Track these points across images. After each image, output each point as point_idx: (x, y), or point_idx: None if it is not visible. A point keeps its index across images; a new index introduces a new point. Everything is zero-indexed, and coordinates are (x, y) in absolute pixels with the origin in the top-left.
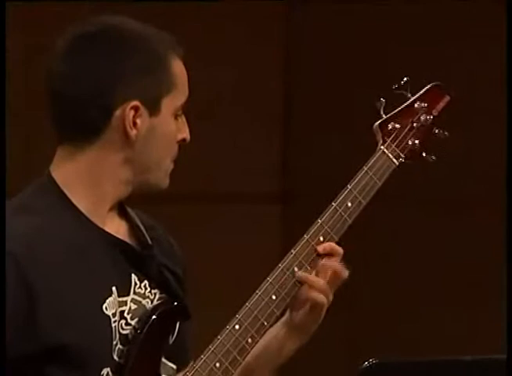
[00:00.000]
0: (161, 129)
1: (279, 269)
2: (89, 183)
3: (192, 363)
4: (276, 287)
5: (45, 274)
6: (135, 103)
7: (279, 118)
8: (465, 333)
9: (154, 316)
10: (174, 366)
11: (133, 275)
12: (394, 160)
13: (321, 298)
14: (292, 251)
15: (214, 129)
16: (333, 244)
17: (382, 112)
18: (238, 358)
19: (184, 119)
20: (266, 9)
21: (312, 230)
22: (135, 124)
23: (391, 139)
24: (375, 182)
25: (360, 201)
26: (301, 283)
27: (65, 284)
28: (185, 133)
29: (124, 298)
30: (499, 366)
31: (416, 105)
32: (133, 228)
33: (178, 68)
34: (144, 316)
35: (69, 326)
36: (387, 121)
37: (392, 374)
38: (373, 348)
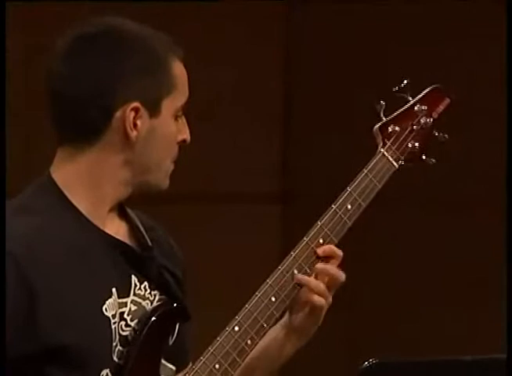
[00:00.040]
0: (161, 130)
1: (279, 272)
2: (89, 184)
3: (191, 365)
4: (276, 289)
5: (45, 275)
6: (136, 104)
7: (279, 118)
8: (465, 333)
9: (154, 318)
10: (174, 368)
11: (133, 276)
12: (394, 162)
13: (320, 300)
14: (292, 253)
15: (214, 129)
16: (333, 247)
17: (382, 114)
18: (237, 359)
19: (184, 120)
20: (266, 9)
21: (312, 233)
22: (135, 125)
23: (391, 141)
24: (375, 184)
25: (360, 204)
26: (300, 285)
27: (65, 285)
28: (185, 134)
29: (124, 300)
30: (499, 366)
31: (416, 108)
32: (133, 229)
33: (178, 69)
34: (144, 317)
35: (69, 326)
36: (387, 124)
37: (392, 374)
38: (373, 348)
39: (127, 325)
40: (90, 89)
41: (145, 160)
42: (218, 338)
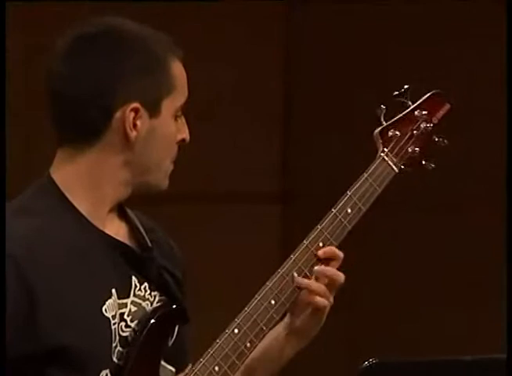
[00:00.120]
0: (161, 131)
1: (279, 275)
2: (89, 185)
3: (191, 366)
4: (276, 292)
5: (45, 276)
6: (135, 104)
7: (279, 118)
8: (465, 333)
9: (154, 319)
10: (173, 369)
11: (133, 277)
12: (394, 167)
13: (322, 302)
14: (291, 256)
15: (214, 129)
16: (333, 248)
17: (382, 119)
18: (237, 362)
19: (183, 120)
20: (266, 9)
21: (312, 236)
22: (135, 125)
23: (391, 146)
24: (375, 188)
25: (360, 208)
26: (300, 288)
27: (65, 286)
28: (184, 134)
29: (124, 300)
30: (499, 366)
31: (416, 113)
32: (133, 230)
33: (177, 70)
34: (144, 318)
35: (69, 327)
36: (387, 128)
37: (392, 374)
38: (373, 348)
39: (127, 326)
40: (90, 90)
41: (144, 160)
42: (218, 340)
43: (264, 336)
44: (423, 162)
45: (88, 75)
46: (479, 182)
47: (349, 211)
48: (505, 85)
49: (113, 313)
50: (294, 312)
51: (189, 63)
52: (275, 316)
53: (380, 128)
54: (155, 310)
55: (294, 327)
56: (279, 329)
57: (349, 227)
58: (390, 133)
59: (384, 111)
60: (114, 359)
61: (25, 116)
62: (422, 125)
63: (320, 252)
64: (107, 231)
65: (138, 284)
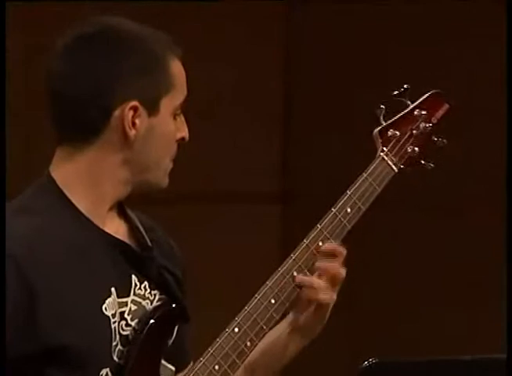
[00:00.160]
0: (160, 129)
1: (279, 274)
2: (89, 183)
3: (191, 366)
4: (276, 291)
5: (46, 275)
6: (134, 103)
7: (279, 118)
8: (465, 333)
9: (154, 318)
10: (173, 368)
11: (133, 276)
12: (394, 166)
13: (326, 298)
14: (292, 255)
15: (214, 129)
16: (335, 245)
17: (382, 118)
18: (237, 361)
19: (183, 118)
20: (266, 9)
21: (312, 235)
22: (134, 124)
23: (390, 145)
24: (374, 188)
25: (359, 207)
26: (301, 287)
27: (65, 285)
28: (184, 132)
29: (125, 299)
30: (499, 366)
31: (415, 112)
32: (133, 229)
33: (176, 68)
34: (144, 317)
35: (69, 326)
36: (386, 128)
37: (392, 374)
38: (373, 348)
39: (127, 325)
40: (89, 88)
41: (144, 158)
42: (218, 339)
43: (264, 335)
44: (423, 162)
45: (87, 74)
46: (479, 183)
47: (349, 210)
48: (505, 85)
49: (113, 312)
50: (297, 310)
51: (189, 63)
52: (275, 315)
53: (379, 128)
54: (155, 309)
55: (297, 324)
56: (283, 326)
57: (349, 226)
58: (389, 133)
59: (384, 111)
60: (115, 358)
61: (25, 116)
62: (421, 125)
63: (322, 248)
64: (107, 230)
65: (138, 283)
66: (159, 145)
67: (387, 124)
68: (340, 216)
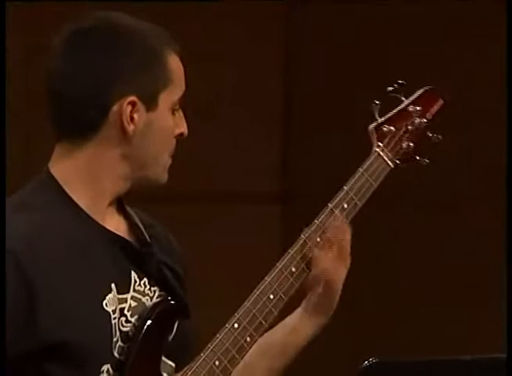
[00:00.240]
0: (159, 124)
1: (277, 269)
2: (88, 179)
3: (191, 362)
4: (274, 286)
5: (45, 271)
6: (132, 98)
7: (279, 118)
8: (465, 333)
9: (154, 315)
10: (173, 365)
11: (133, 272)
12: (390, 162)
13: (330, 273)
14: (289, 250)
15: (214, 129)
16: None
17: (377, 115)
18: (236, 356)
19: (181, 113)
20: (266, 9)
21: (309, 231)
22: (132, 119)
23: (386, 141)
24: (371, 183)
25: (356, 203)
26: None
27: (65, 281)
28: (182, 128)
29: (124, 296)
30: (499, 366)
31: (410, 108)
32: (132, 226)
33: (174, 63)
34: (144, 313)
35: (69, 322)
36: (382, 124)
37: (392, 374)
38: (373, 348)
39: (127, 321)
40: (86, 84)
41: (143, 154)
42: (218, 335)
43: (264, 330)
44: (418, 157)
45: (85, 70)
46: (479, 182)
47: (345, 206)
48: (505, 85)
49: (113, 308)
50: (309, 290)
51: (189, 63)
52: (273, 310)
53: (374, 124)
54: (155, 306)
55: (310, 305)
56: (297, 312)
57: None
58: (385, 129)
59: (379, 107)
60: (115, 354)
61: (25, 116)
62: (416, 121)
63: (327, 223)
64: (107, 226)
65: (137, 279)
66: (157, 140)
67: (383, 120)
68: (336, 212)
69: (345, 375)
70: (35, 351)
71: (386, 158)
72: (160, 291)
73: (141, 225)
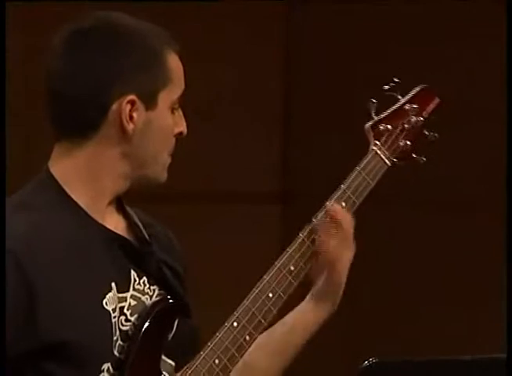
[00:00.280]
0: (158, 123)
1: (276, 268)
2: (88, 178)
3: (192, 361)
4: (273, 285)
5: (45, 271)
6: (132, 97)
7: (279, 118)
8: (465, 333)
9: (153, 314)
10: (173, 363)
11: (132, 271)
12: (387, 160)
13: (335, 255)
14: (288, 249)
15: (214, 129)
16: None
17: (373, 113)
18: (236, 355)
19: (181, 113)
20: (266, 9)
21: (307, 229)
22: (131, 118)
23: (383, 140)
24: (368, 182)
25: (354, 201)
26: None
27: (65, 280)
28: (182, 127)
29: (124, 294)
30: (499, 366)
31: (406, 107)
32: (131, 225)
33: (173, 62)
34: (143, 312)
35: (70, 321)
36: (378, 123)
37: (392, 374)
38: (373, 348)
39: (127, 320)
40: (86, 83)
41: (142, 152)
42: (218, 334)
43: (263, 329)
44: (415, 155)
45: (84, 69)
46: (480, 182)
47: (343, 204)
48: (505, 85)
49: (113, 307)
50: (316, 278)
51: (189, 63)
52: (272, 308)
53: (371, 122)
54: (154, 304)
55: (316, 291)
56: (305, 301)
57: None
58: (381, 127)
59: (375, 105)
60: (115, 353)
61: (25, 116)
62: (413, 119)
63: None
64: (106, 225)
65: (137, 278)
66: (157, 139)
67: (379, 119)
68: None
69: (345, 375)
70: (35, 350)
71: (383, 156)
72: (159, 289)
73: (140, 225)
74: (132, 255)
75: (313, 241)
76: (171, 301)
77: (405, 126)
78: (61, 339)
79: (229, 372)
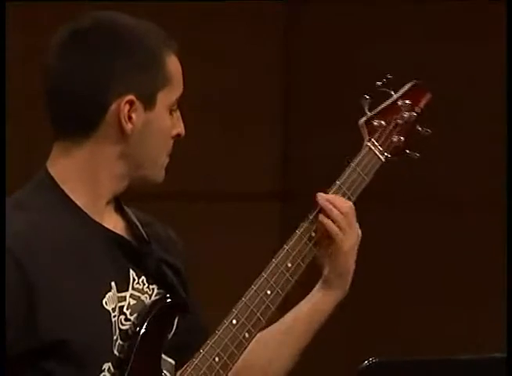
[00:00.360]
0: (156, 124)
1: (273, 265)
2: (86, 178)
3: (192, 358)
4: (271, 282)
5: (45, 271)
6: (130, 97)
7: (279, 118)
8: (465, 333)
9: (152, 313)
10: (173, 362)
11: (131, 270)
12: (381, 156)
13: (335, 230)
14: (285, 246)
15: (214, 129)
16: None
17: (367, 109)
18: (236, 352)
19: (179, 114)
20: (266, 9)
21: (304, 226)
22: (130, 118)
23: (376, 135)
24: (363, 178)
25: (349, 197)
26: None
27: (64, 280)
28: (179, 128)
29: (123, 294)
30: (499, 365)
31: (399, 102)
32: (130, 224)
33: (172, 63)
34: (143, 311)
35: (69, 321)
36: (372, 118)
37: (392, 374)
38: (373, 348)
39: (126, 319)
40: (85, 83)
41: (140, 153)
42: (217, 331)
43: (262, 327)
44: (408, 151)
45: (84, 69)
46: (480, 182)
47: None
48: (505, 85)
49: (113, 306)
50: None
51: (189, 63)
52: (270, 305)
53: (364, 118)
54: (153, 303)
55: (326, 278)
56: (315, 289)
57: None
58: (375, 123)
59: (369, 101)
60: (115, 353)
61: (25, 116)
62: (406, 115)
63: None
64: (105, 224)
65: (136, 277)
66: (155, 139)
67: (373, 114)
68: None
69: (345, 375)
70: (35, 350)
71: (377, 152)
72: (158, 288)
73: (138, 224)
74: (131, 255)
75: (310, 238)
76: (170, 299)
77: (398, 122)
78: (61, 339)
79: (230, 369)
